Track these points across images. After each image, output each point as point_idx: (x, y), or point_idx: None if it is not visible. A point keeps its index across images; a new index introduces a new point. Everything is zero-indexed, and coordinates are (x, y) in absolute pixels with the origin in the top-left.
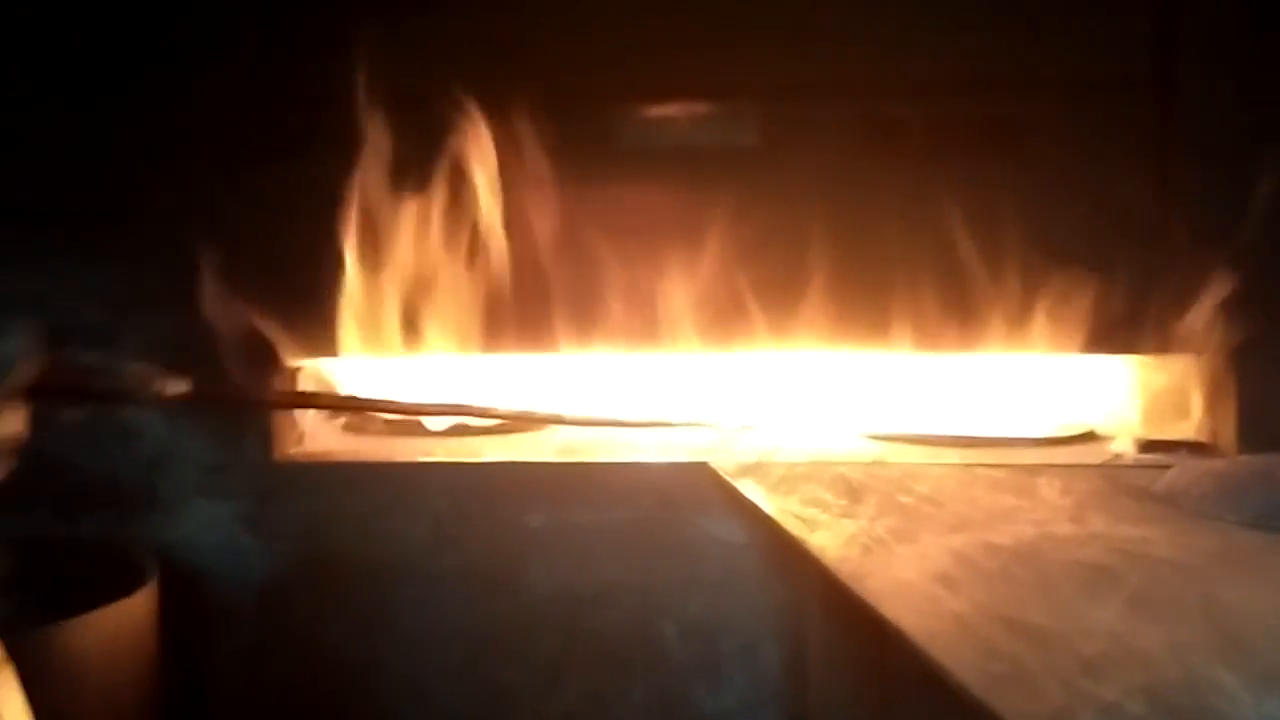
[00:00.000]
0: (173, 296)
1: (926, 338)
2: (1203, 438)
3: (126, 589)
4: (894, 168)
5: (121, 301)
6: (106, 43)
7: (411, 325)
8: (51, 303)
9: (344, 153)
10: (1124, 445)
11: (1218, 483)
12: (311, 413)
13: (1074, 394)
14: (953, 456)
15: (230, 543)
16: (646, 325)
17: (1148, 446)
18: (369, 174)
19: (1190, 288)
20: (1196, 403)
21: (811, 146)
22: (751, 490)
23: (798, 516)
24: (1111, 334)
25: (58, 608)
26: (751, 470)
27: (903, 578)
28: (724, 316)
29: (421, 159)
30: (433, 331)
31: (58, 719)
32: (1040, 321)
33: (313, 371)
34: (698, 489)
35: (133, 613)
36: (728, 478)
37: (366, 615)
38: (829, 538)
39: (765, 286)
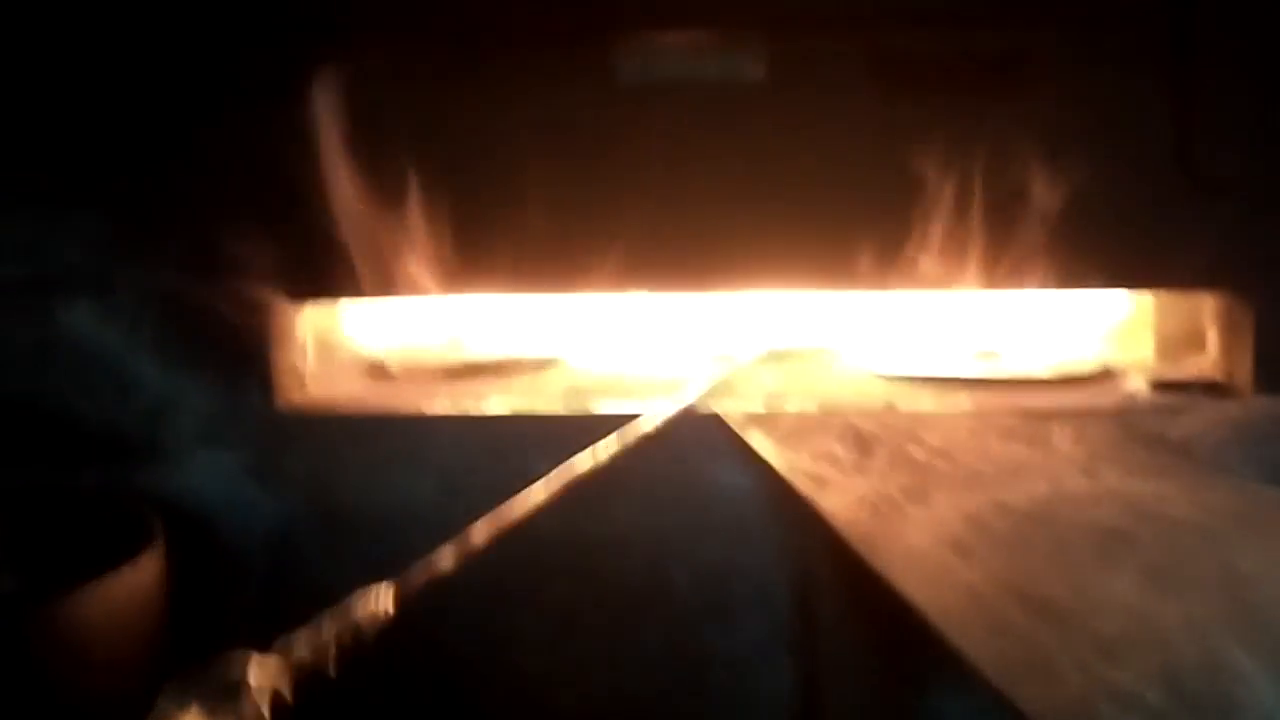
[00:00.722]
0: (167, 242)
1: (939, 274)
2: (1218, 377)
3: (131, 544)
4: (904, 102)
5: (114, 248)
6: None
7: (409, 266)
8: (41, 250)
9: (340, 87)
10: (1138, 385)
11: (1234, 432)
12: (313, 356)
13: (1088, 325)
14: (965, 401)
15: (236, 493)
16: (649, 264)
17: (1162, 387)
18: (365, 108)
19: (1207, 221)
20: (1212, 340)
21: (819, 81)
22: (761, 443)
23: (808, 473)
24: (1126, 269)
25: (62, 564)
26: (761, 421)
27: (914, 544)
28: (729, 255)
29: (419, 92)
30: (433, 272)
31: (68, 689)
32: (1053, 256)
33: None
34: (707, 437)
35: (141, 577)
36: (737, 429)
37: (376, 565)
38: (839, 498)
39: (769, 225)
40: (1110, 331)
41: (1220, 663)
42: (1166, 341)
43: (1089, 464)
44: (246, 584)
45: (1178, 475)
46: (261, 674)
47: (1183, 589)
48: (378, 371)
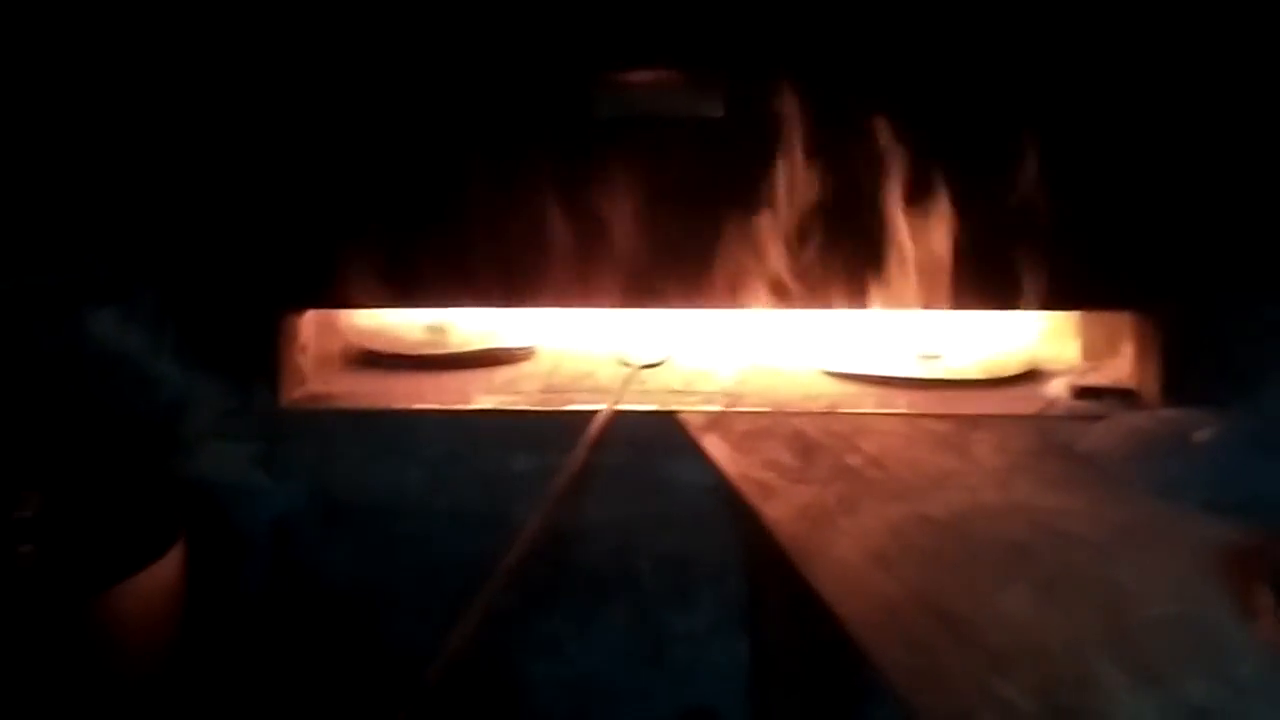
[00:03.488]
0: (185, 256)
1: (883, 295)
2: (1132, 385)
3: (156, 534)
4: (846, 140)
5: (138, 260)
6: None
7: (403, 277)
8: (73, 261)
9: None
10: (1059, 389)
11: (1137, 445)
12: (313, 353)
13: (1021, 328)
14: (901, 403)
15: (245, 481)
16: (621, 280)
17: (1081, 392)
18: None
19: (1121, 248)
20: (1127, 352)
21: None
22: (715, 447)
23: (757, 481)
24: (1050, 293)
25: (93, 550)
26: (717, 423)
27: (844, 557)
28: (689, 273)
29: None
30: (423, 285)
31: (106, 668)
32: (985, 281)
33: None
34: (667, 436)
35: (167, 570)
36: (694, 433)
37: (371, 547)
38: (783, 508)
39: (727, 246)
40: (1041, 333)
41: (1092, 677)
42: (1091, 345)
43: (1005, 476)
44: (254, 562)
45: (1083, 489)
46: None
47: (1069, 604)
48: (370, 364)
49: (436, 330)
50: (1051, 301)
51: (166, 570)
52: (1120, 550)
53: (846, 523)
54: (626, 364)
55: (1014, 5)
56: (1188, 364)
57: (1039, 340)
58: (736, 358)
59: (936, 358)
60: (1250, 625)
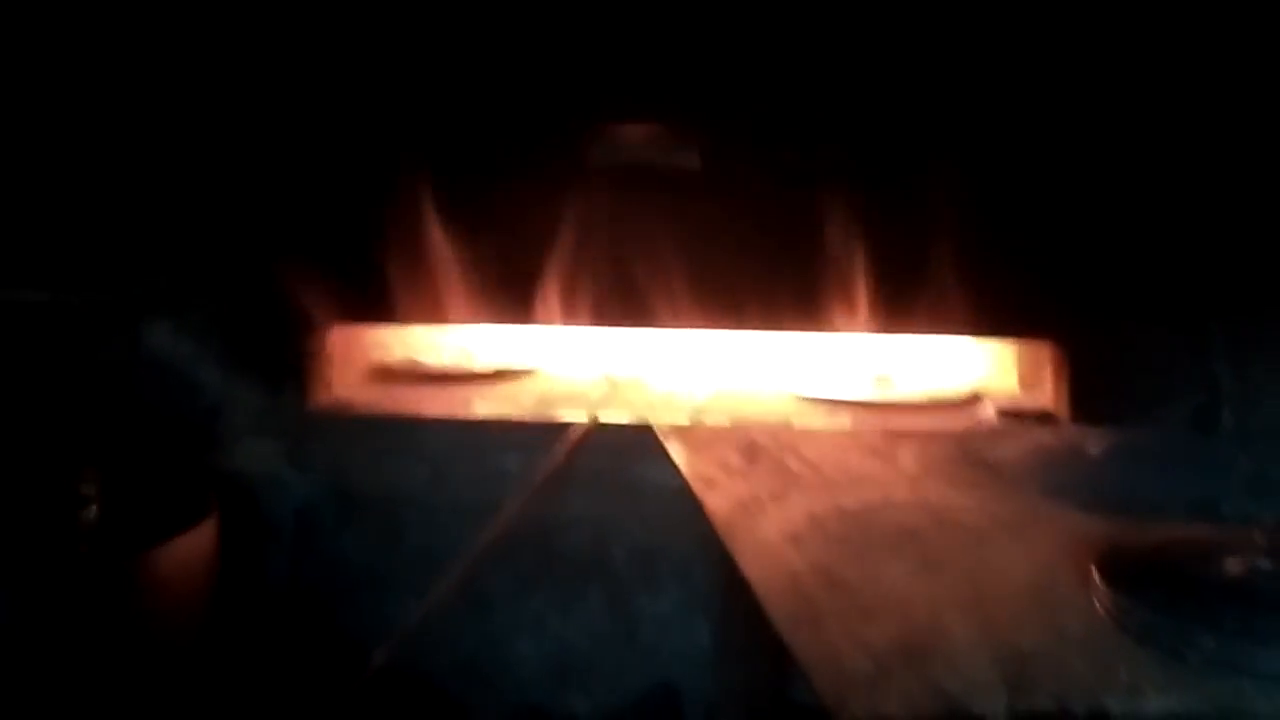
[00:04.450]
0: (229, 275)
1: (833, 320)
2: (1050, 407)
3: (192, 514)
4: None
5: (188, 278)
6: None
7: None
8: (130, 279)
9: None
10: (987, 412)
11: (1038, 456)
12: (337, 364)
13: (970, 359)
14: (846, 420)
15: (274, 474)
16: (610, 303)
17: (1005, 414)
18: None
19: (1038, 283)
20: (1046, 378)
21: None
22: (676, 451)
23: (704, 477)
24: (973, 320)
25: (139, 527)
26: (682, 432)
27: (765, 538)
28: (671, 300)
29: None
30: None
31: (144, 625)
32: (922, 309)
33: None
34: (642, 444)
35: (199, 541)
36: (662, 438)
37: (379, 534)
38: (721, 498)
39: (701, 277)
40: (987, 363)
41: (943, 628)
42: (1024, 374)
43: (919, 478)
44: (279, 544)
45: (980, 489)
46: None
47: (941, 575)
48: (388, 376)
49: (453, 350)
50: (975, 329)
51: (200, 539)
52: (996, 536)
53: (774, 511)
54: (612, 382)
55: (933, 39)
56: (1094, 388)
57: (984, 369)
58: (710, 379)
59: (890, 384)
60: (1086, 595)
